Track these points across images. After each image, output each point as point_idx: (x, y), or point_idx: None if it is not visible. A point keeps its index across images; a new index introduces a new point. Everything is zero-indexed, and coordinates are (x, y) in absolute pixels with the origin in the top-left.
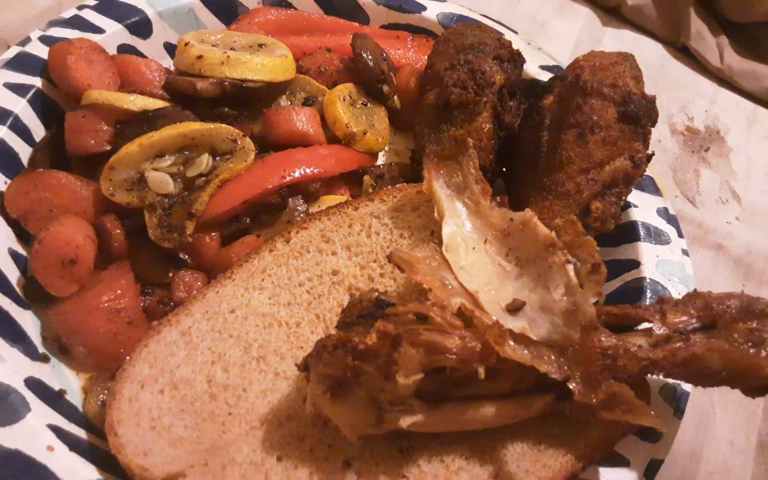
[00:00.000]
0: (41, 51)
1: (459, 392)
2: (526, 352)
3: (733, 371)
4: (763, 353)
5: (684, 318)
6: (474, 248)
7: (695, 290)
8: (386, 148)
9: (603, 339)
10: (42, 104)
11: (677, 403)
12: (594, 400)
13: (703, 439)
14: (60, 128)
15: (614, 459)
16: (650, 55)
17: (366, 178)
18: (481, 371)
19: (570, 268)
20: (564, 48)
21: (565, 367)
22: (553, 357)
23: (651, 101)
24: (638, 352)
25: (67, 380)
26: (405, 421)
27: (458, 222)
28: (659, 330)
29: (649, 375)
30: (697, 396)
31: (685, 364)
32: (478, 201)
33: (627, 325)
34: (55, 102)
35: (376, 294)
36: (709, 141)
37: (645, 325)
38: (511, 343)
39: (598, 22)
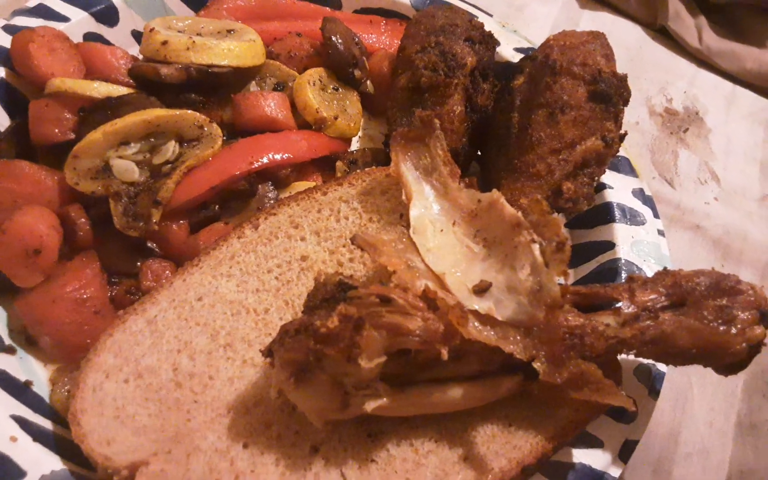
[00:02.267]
0: (5, 40)
1: (425, 375)
2: (491, 333)
3: (703, 349)
4: (733, 330)
5: (653, 296)
6: (442, 230)
7: (665, 268)
8: (360, 134)
9: (570, 318)
10: (6, 94)
11: (652, 383)
12: (559, 379)
13: (681, 419)
14: (24, 118)
15: (587, 440)
16: (628, 37)
17: (338, 163)
18: (444, 353)
19: (535, 247)
20: (541, 31)
21: (531, 347)
22: (518, 337)
23: (622, 80)
24: (606, 330)
25: (35, 372)
26: (370, 405)
27: (426, 204)
28: (628, 308)
29: (620, 355)
30: (674, 376)
31: (654, 342)
32: (446, 183)
33: (597, 305)
34: (19, 91)
35: (339, 277)
36: (687, 122)
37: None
38: (476, 324)
39: (576, 4)
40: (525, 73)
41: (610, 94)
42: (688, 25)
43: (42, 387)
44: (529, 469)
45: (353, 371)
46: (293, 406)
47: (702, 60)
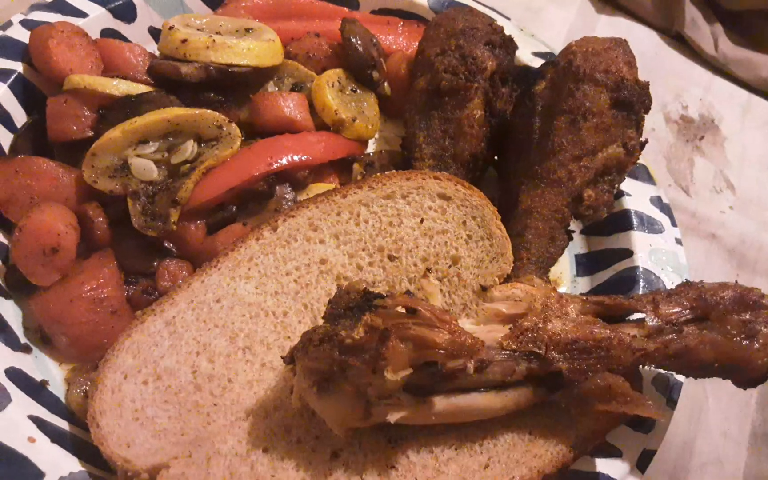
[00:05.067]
0: (23, 35)
1: (448, 385)
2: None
3: (726, 363)
4: (756, 345)
5: (677, 309)
6: None
7: (688, 281)
8: (376, 136)
9: (596, 330)
10: (23, 89)
11: (670, 394)
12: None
13: (696, 429)
14: (42, 114)
15: (606, 449)
16: (644, 42)
17: (355, 166)
18: (471, 366)
19: None
20: (557, 35)
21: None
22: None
23: (644, 87)
24: (632, 342)
25: (50, 371)
26: (393, 416)
27: None
28: (652, 321)
29: (640, 366)
30: (690, 387)
31: (678, 356)
32: None
33: (619, 315)
34: (37, 87)
35: (364, 286)
36: (703, 130)
37: (637, 316)
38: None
39: (592, 9)
40: (547, 79)
41: (633, 101)
42: (704, 33)
43: (57, 387)
44: (549, 478)
45: (377, 382)
46: (313, 411)
47: (718, 67)
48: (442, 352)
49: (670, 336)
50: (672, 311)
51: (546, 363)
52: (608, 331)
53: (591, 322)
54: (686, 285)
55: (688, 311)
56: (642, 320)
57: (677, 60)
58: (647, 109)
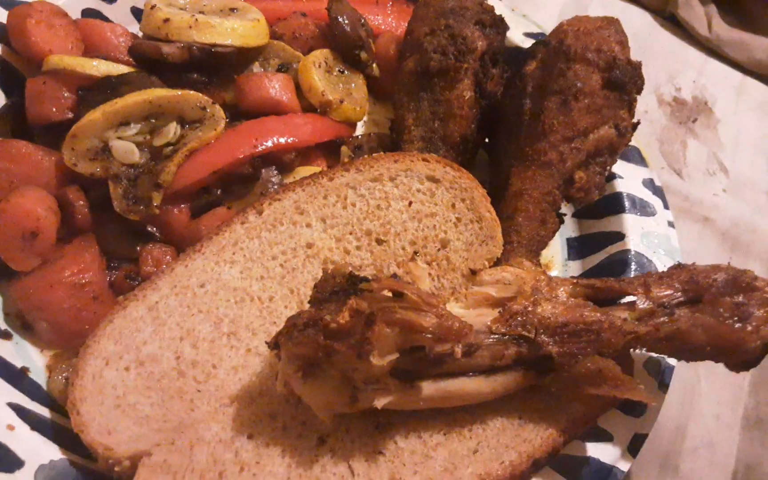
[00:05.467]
0: (1, 15)
1: (435, 370)
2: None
3: (718, 346)
4: (749, 328)
5: (668, 292)
6: None
7: (679, 263)
8: (365, 118)
9: (586, 313)
10: (1, 71)
11: (662, 377)
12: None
13: (688, 413)
14: (21, 96)
15: (597, 433)
16: (637, 23)
17: (343, 148)
18: (458, 351)
19: None
20: (550, 16)
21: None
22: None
23: (637, 67)
24: (623, 325)
25: (31, 358)
26: (380, 402)
27: None
28: (643, 304)
29: (631, 350)
30: (682, 370)
31: (669, 338)
32: None
33: (610, 298)
34: (16, 68)
35: (350, 269)
36: (696, 112)
37: (628, 299)
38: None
39: None
40: (537, 59)
41: (625, 81)
42: (697, 13)
43: (39, 374)
44: (539, 462)
45: (363, 367)
46: (299, 397)
47: (711, 49)
48: (429, 336)
49: (662, 319)
50: (663, 294)
51: (536, 347)
52: (599, 314)
53: (581, 305)
54: (678, 267)
55: (679, 294)
56: (633, 303)
57: (670, 41)
58: (639, 90)
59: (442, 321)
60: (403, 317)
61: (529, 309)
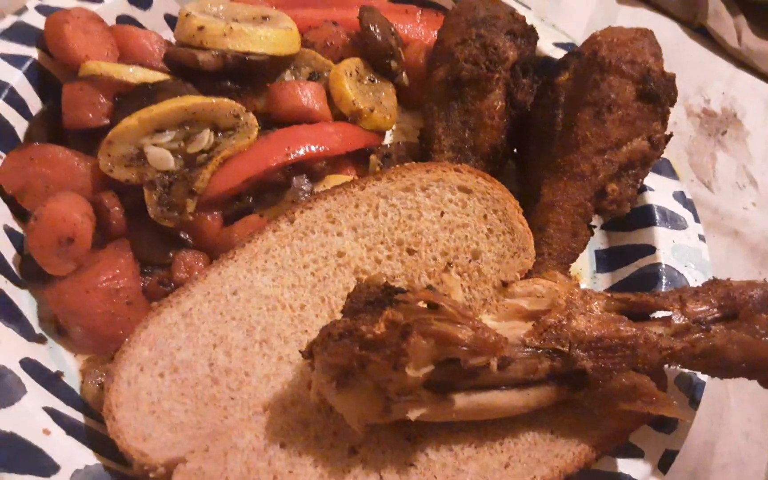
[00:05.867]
0: (38, 21)
1: (469, 382)
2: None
3: (754, 363)
4: None
5: (704, 307)
6: None
7: (715, 278)
8: (394, 127)
9: (622, 328)
10: (39, 76)
11: (693, 393)
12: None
13: (717, 430)
14: (57, 101)
15: (628, 450)
16: (666, 34)
17: (372, 157)
18: (494, 364)
19: None
20: (578, 26)
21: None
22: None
23: (671, 79)
24: (659, 341)
25: (65, 362)
26: (413, 413)
27: None
28: (678, 319)
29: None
30: (711, 386)
31: (705, 355)
32: None
33: (643, 313)
34: (52, 74)
35: (385, 280)
36: (725, 124)
37: (662, 314)
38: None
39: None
40: (570, 70)
41: (659, 93)
42: (727, 25)
43: (72, 378)
44: (570, 477)
45: (398, 378)
46: (331, 407)
47: (741, 61)
48: (464, 349)
49: (698, 335)
50: (699, 309)
51: (570, 361)
52: (634, 329)
53: (616, 320)
54: (714, 282)
55: (715, 310)
56: (668, 318)
57: (699, 52)
58: (673, 102)
59: (478, 334)
60: (439, 329)
61: (564, 322)
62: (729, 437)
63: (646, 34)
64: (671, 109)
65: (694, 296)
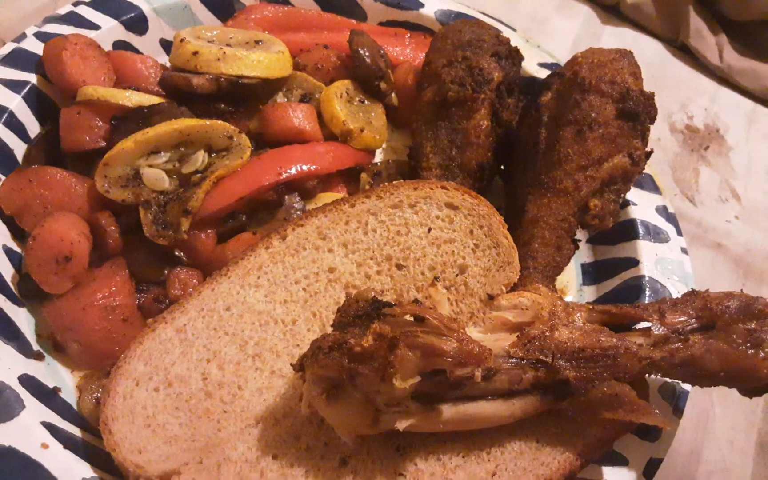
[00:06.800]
0: (36, 47)
1: (455, 393)
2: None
3: (732, 372)
4: (762, 354)
5: (683, 318)
6: None
7: (693, 290)
8: (383, 146)
9: (603, 338)
10: (37, 100)
11: (676, 402)
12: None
13: (702, 438)
14: (55, 125)
15: (613, 458)
16: (650, 53)
17: (363, 175)
18: (478, 374)
19: None
20: (563, 46)
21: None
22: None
23: (650, 98)
24: (639, 351)
25: (62, 378)
26: (401, 424)
27: None
28: (658, 330)
29: (646, 375)
30: (696, 395)
31: (684, 364)
32: None
33: (625, 324)
34: (51, 98)
35: (373, 294)
36: (708, 139)
37: (643, 325)
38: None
39: (598, 20)
40: (552, 90)
41: (638, 112)
42: (709, 43)
43: (69, 393)
44: None
45: (386, 390)
46: (322, 418)
47: (723, 78)
48: (450, 360)
49: (676, 345)
50: (678, 320)
51: (553, 371)
52: (615, 340)
53: (597, 331)
54: (692, 294)
55: (693, 320)
56: (648, 329)
57: (682, 70)
58: (652, 120)
59: (462, 345)
60: (425, 341)
61: (547, 334)
62: (714, 445)
63: (626, 55)
64: (651, 127)
65: (673, 307)
